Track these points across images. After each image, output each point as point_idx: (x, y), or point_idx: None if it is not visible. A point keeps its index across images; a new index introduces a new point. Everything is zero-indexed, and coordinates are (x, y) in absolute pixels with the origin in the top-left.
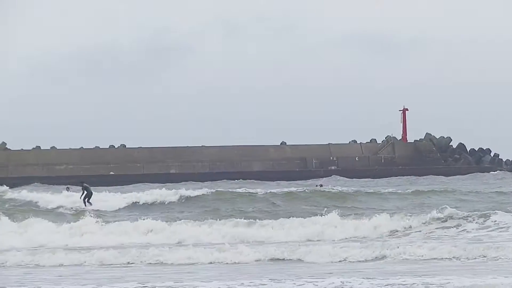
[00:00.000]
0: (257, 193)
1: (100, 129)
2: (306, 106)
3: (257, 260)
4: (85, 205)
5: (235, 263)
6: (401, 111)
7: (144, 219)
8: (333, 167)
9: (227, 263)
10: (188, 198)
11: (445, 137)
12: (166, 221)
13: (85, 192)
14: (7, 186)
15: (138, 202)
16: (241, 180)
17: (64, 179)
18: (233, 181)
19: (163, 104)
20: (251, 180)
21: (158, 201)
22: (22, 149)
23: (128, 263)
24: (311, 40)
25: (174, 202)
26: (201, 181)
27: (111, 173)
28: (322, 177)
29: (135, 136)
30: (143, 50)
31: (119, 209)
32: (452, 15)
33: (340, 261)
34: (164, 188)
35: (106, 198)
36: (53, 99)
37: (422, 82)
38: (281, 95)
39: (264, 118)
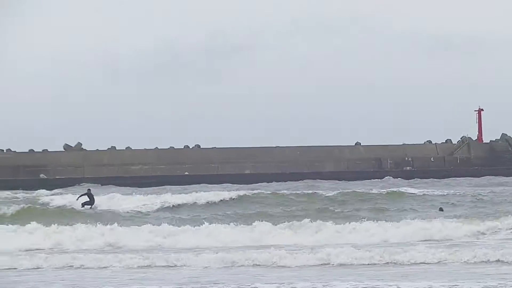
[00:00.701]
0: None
1: (174, 129)
2: (381, 107)
3: None
4: (82, 207)
5: None
6: (476, 111)
7: None
8: (408, 168)
9: None
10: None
11: None
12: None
13: (88, 200)
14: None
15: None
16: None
17: (139, 179)
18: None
19: (236, 104)
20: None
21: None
22: (97, 149)
23: None
24: (379, 39)
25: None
26: (275, 181)
27: (186, 173)
28: (396, 177)
29: (209, 136)
30: (214, 50)
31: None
32: None
33: None
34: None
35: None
36: (127, 99)
37: (496, 82)
38: (354, 95)
39: (338, 118)
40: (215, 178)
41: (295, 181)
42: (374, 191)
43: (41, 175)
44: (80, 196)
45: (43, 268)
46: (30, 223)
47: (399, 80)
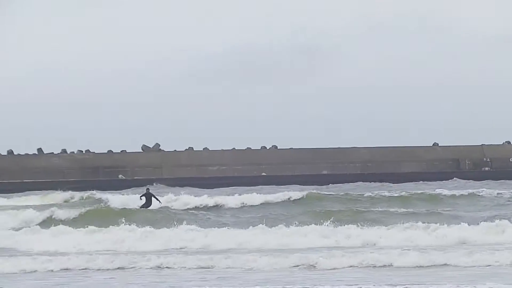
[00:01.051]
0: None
1: (251, 129)
2: (459, 107)
3: None
4: (140, 207)
5: None
6: None
7: None
8: (486, 168)
9: None
10: None
11: None
12: None
13: (144, 202)
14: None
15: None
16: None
17: (216, 180)
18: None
19: (313, 104)
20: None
21: None
22: (175, 150)
23: None
24: (459, 40)
25: None
26: (352, 182)
27: (263, 174)
28: (474, 179)
29: (286, 136)
30: (292, 50)
31: None
32: None
33: None
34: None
35: None
36: (205, 99)
37: None
38: (433, 95)
39: (415, 118)
40: (291, 179)
41: (372, 182)
42: (447, 192)
43: (120, 176)
44: (141, 196)
45: (99, 269)
46: (90, 225)
47: (477, 80)
